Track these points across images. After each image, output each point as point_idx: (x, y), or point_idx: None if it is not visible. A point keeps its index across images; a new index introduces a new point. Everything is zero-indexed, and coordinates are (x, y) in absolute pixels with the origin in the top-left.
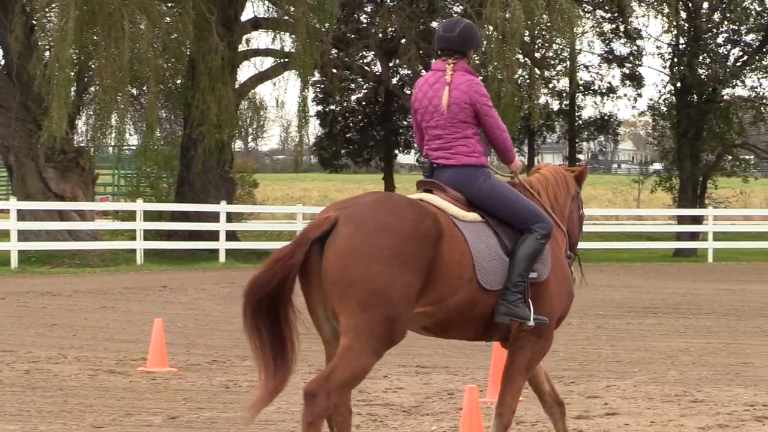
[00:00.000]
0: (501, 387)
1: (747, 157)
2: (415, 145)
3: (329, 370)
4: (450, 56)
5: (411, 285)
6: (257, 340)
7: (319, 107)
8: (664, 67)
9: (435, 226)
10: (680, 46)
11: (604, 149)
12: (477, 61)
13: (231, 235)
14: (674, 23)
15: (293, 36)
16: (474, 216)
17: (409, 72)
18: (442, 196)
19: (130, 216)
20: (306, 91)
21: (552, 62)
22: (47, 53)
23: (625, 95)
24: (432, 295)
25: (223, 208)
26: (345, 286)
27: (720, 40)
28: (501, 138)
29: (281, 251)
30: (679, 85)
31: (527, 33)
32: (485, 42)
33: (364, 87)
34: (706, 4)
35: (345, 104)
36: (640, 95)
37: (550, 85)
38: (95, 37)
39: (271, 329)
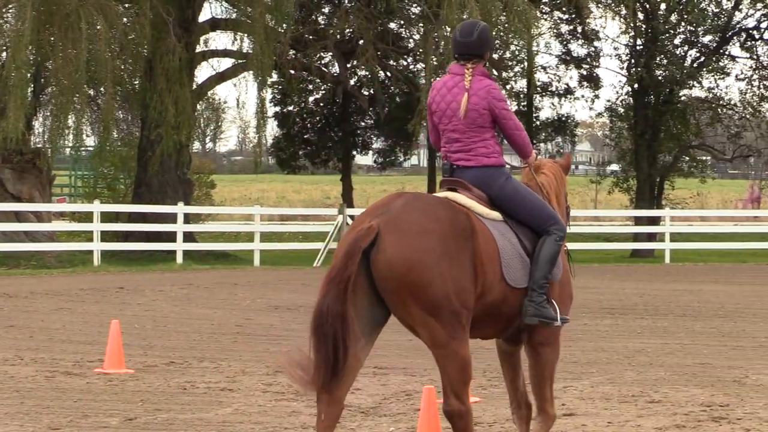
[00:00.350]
0: (533, 392)
1: (704, 158)
2: (430, 144)
3: (445, 384)
4: (468, 60)
5: (461, 278)
6: (321, 354)
7: (277, 108)
8: (622, 69)
9: (468, 222)
10: (637, 48)
11: (561, 150)
12: (434, 63)
13: (188, 237)
14: (631, 24)
15: (251, 37)
16: (497, 215)
17: (367, 73)
18: (467, 195)
19: (87, 217)
20: (264, 92)
21: (509, 63)
22: (3, 54)
23: (583, 96)
24: (475, 290)
25: (180, 209)
26: (405, 296)
27: (677, 41)
28: (520, 137)
29: (333, 270)
30: (636, 86)
31: None
32: (442, 43)
33: (322, 88)
34: (663, 6)
35: (303, 105)
36: (597, 96)
37: (508, 87)
38: (52, 38)
39: (335, 345)
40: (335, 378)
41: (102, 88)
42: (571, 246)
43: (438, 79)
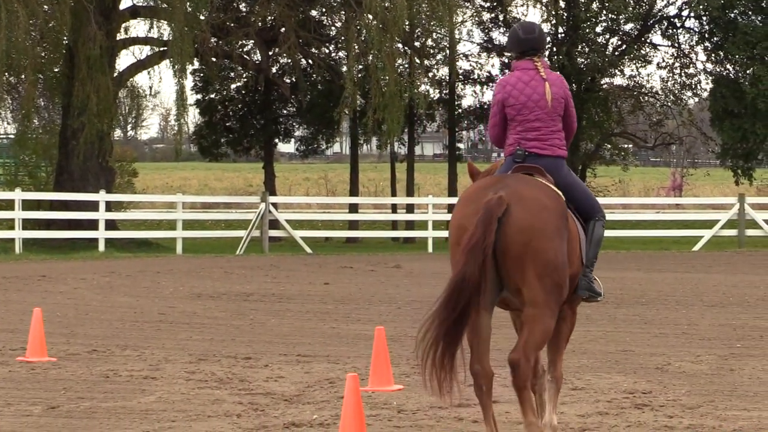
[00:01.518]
0: (551, 356)
1: (626, 145)
2: (490, 134)
3: (524, 338)
4: (534, 55)
5: (565, 253)
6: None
7: (199, 96)
8: (543, 57)
9: (564, 204)
10: (559, 36)
11: (483, 138)
12: (356, 51)
13: (110, 224)
14: (553, 12)
15: (171, 24)
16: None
17: (289, 60)
18: (545, 180)
19: (8, 205)
20: (184, 79)
21: (432, 51)
22: None
23: None
24: (570, 267)
25: (102, 197)
26: (526, 260)
27: (599, 29)
28: (575, 126)
29: (471, 238)
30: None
31: (407, 22)
32: (363, 31)
33: (244, 75)
34: None
35: (225, 93)
36: None
37: (430, 74)
38: None
39: (463, 313)
40: (455, 349)
41: (23, 76)
42: None
43: (504, 76)
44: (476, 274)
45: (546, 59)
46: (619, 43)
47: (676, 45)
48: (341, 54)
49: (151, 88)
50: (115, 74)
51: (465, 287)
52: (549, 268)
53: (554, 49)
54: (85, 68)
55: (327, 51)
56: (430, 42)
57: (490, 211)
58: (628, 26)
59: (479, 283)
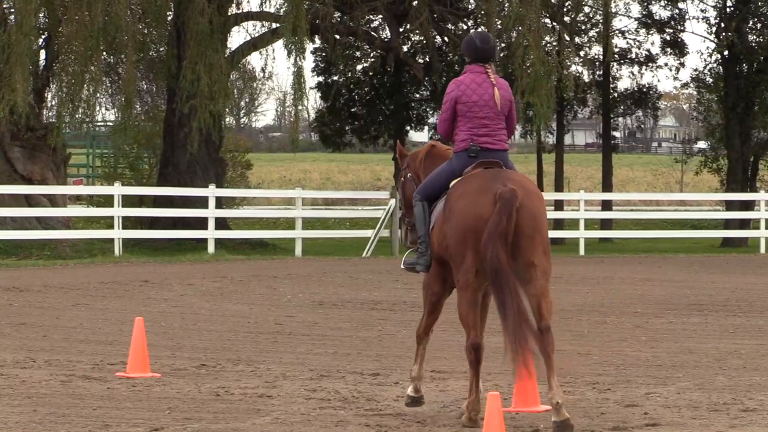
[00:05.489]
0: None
1: None
2: (437, 127)
3: (545, 308)
4: (486, 62)
5: None
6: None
7: (320, 78)
8: (710, 33)
9: None
10: (728, 9)
11: (642, 126)
12: (498, 27)
13: (221, 223)
14: None
15: None
16: None
17: (422, 38)
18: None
19: (106, 201)
20: (302, 59)
21: (583, 27)
22: (12, 18)
23: (666, 65)
24: None
25: (212, 192)
26: (537, 238)
27: None
28: (514, 125)
29: (492, 226)
30: (726, 53)
31: None
32: (506, 5)
33: (371, 55)
34: None
35: (349, 75)
36: (682, 65)
37: (581, 53)
38: (65, 0)
39: (515, 289)
40: (527, 322)
41: (122, 55)
42: (653, 234)
43: (457, 78)
44: (504, 256)
45: (494, 66)
46: None
47: None
48: (480, 30)
49: (263, 69)
50: (227, 53)
51: (502, 268)
52: (547, 245)
53: (722, 24)
54: (194, 46)
55: (464, 27)
56: (581, 17)
57: (510, 202)
58: None
59: (508, 262)
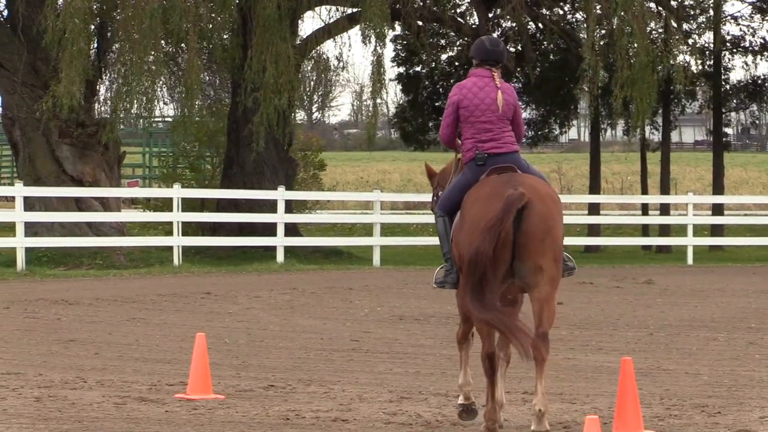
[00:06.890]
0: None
1: None
2: (440, 133)
3: (546, 315)
4: (494, 65)
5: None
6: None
7: (401, 69)
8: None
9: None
10: None
11: (757, 121)
12: (598, 12)
13: (292, 229)
14: None
15: None
16: None
17: (514, 24)
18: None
19: (165, 205)
20: (381, 47)
21: (691, 13)
22: (60, 1)
23: None
24: None
25: (281, 194)
26: (547, 243)
27: None
28: (522, 131)
29: (490, 221)
30: None
31: None
32: None
33: (458, 43)
34: None
35: (434, 65)
36: None
37: (690, 41)
38: None
39: (482, 278)
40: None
41: (183, 44)
42: None
43: (460, 82)
44: (489, 251)
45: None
46: None
47: None
48: (578, 16)
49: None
50: (298, 41)
51: (479, 261)
52: (560, 253)
53: None
54: (260, 33)
55: (561, 12)
56: (689, 1)
57: (512, 203)
58: None
59: (491, 259)
